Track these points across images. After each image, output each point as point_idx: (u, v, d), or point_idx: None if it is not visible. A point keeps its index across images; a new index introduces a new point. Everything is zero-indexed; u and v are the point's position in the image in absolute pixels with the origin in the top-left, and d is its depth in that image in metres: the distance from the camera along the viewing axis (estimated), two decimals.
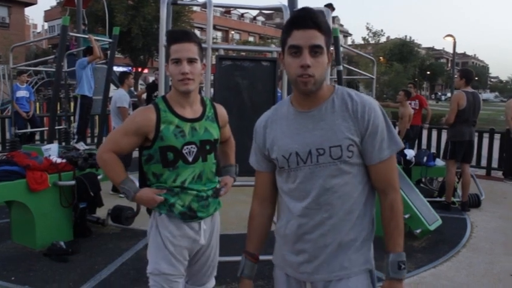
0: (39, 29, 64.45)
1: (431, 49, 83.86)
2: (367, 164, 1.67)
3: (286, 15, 3.71)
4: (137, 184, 2.25)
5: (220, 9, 49.41)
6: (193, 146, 2.14)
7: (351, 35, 72.87)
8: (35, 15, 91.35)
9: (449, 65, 72.95)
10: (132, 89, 17.68)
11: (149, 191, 2.17)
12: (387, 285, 1.65)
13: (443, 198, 6.69)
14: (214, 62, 3.79)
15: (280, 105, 1.80)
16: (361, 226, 1.69)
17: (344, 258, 1.67)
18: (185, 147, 2.12)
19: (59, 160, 4.84)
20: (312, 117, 1.66)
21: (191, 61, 2.08)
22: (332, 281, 1.68)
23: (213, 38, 3.60)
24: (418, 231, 4.96)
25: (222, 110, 2.36)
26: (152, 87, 8.48)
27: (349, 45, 46.47)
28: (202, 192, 2.21)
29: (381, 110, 1.66)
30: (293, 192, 1.71)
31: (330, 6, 7.29)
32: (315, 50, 1.57)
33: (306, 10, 1.60)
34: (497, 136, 9.57)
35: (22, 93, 10.10)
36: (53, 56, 11.21)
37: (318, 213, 1.66)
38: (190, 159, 2.14)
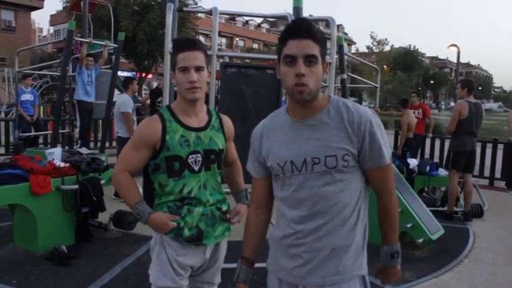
0: (44, 33, 64.84)
1: (435, 58, 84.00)
2: (364, 169, 1.72)
3: None
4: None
5: (225, 16, 49.65)
6: (198, 155, 2.13)
7: (355, 43, 73.02)
8: (40, 19, 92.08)
9: (453, 74, 72.98)
10: (136, 94, 17.72)
11: (163, 216, 2.10)
12: (382, 268, 1.85)
13: (445, 208, 6.67)
14: (218, 69, 3.81)
15: (276, 114, 1.84)
16: (355, 232, 1.73)
17: (338, 263, 1.70)
18: (190, 156, 2.11)
19: (62, 164, 4.86)
20: (308, 127, 1.69)
21: (198, 69, 2.08)
22: (325, 285, 1.71)
23: (218, 45, 3.62)
24: (420, 240, 4.94)
25: (228, 121, 2.34)
26: (156, 93, 8.46)
27: (353, 54, 46.55)
28: (207, 208, 2.18)
29: (376, 119, 1.70)
30: (288, 199, 1.74)
31: None
32: (310, 60, 1.60)
33: (301, 20, 1.64)
34: (500, 146, 9.54)
35: (27, 96, 10.15)
36: (58, 60, 11.28)
37: (312, 220, 1.70)
38: (196, 168, 2.13)
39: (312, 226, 1.69)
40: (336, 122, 1.66)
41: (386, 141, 1.72)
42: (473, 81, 6.88)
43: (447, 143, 10.23)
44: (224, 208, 2.27)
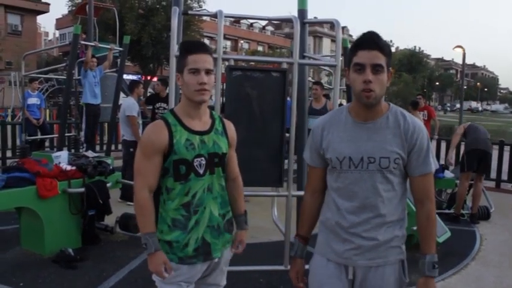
0: (50, 37, 65.20)
1: (441, 60, 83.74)
2: (410, 175, 1.96)
3: (297, 27, 3.73)
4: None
5: (230, 18, 49.75)
6: (203, 158, 2.13)
7: None
8: (46, 23, 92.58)
9: (459, 76, 72.72)
10: (142, 97, 17.79)
11: (165, 261, 2.07)
12: (423, 281, 1.95)
13: (452, 210, 6.65)
14: (223, 71, 3.81)
15: (337, 113, 2.06)
16: (398, 227, 1.98)
17: (383, 250, 1.96)
18: (196, 159, 2.11)
19: (68, 167, 4.88)
20: (368, 129, 1.93)
21: (208, 72, 2.09)
22: (372, 267, 1.96)
23: (223, 48, 3.63)
24: None
25: (231, 127, 2.33)
26: (153, 99, 8.18)
27: None
28: (214, 218, 2.17)
29: (426, 133, 1.95)
30: (341, 190, 1.98)
31: None
32: (377, 69, 1.83)
33: (370, 34, 1.90)
34: (507, 148, 9.50)
35: (33, 100, 10.19)
36: (64, 64, 11.34)
37: (363, 212, 1.94)
38: (201, 171, 2.12)
39: (362, 218, 1.94)
40: (393, 128, 1.91)
41: (433, 152, 1.96)
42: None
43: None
44: (228, 217, 2.26)
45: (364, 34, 1.91)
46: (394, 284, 1.98)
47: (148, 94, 28.52)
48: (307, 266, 2.18)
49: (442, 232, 5.14)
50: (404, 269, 2.01)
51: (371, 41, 1.85)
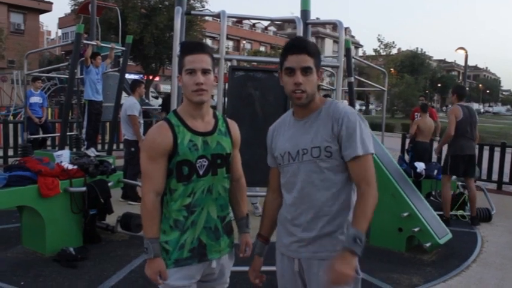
0: (52, 36, 65.27)
1: (443, 61, 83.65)
2: (345, 160, 1.98)
3: (300, 27, 3.73)
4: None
5: (233, 19, 49.81)
6: (205, 159, 2.11)
7: (362, 46, 72.85)
8: (49, 22, 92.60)
9: (461, 77, 72.60)
10: (144, 97, 17.80)
11: (162, 269, 2.07)
12: (341, 253, 1.88)
13: (453, 212, 6.64)
14: (225, 71, 3.81)
15: (286, 115, 2.22)
16: (340, 219, 2.01)
17: (326, 242, 2.00)
18: (198, 160, 2.10)
19: (70, 166, 4.89)
20: (303, 125, 2.07)
21: (205, 72, 2.07)
22: (315, 260, 2.01)
23: (225, 48, 3.62)
24: (428, 244, 4.92)
25: (235, 127, 2.30)
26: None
27: (360, 57, 46.43)
28: (211, 220, 2.16)
29: (356, 117, 1.99)
30: (285, 184, 2.12)
31: None
32: (306, 70, 1.96)
33: (299, 39, 2.09)
34: (508, 150, 9.49)
35: (36, 99, 10.22)
36: (66, 63, 11.35)
37: (302, 203, 2.03)
38: (201, 172, 2.11)
39: (302, 208, 2.03)
40: (324, 119, 2.01)
41: (364, 135, 1.97)
42: (464, 87, 7.15)
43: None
44: (227, 220, 2.24)
45: (292, 40, 2.06)
46: None
47: (151, 93, 28.62)
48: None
49: (443, 234, 5.14)
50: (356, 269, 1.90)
51: (297, 45, 2.00)
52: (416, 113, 9.72)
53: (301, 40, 2.06)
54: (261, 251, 2.27)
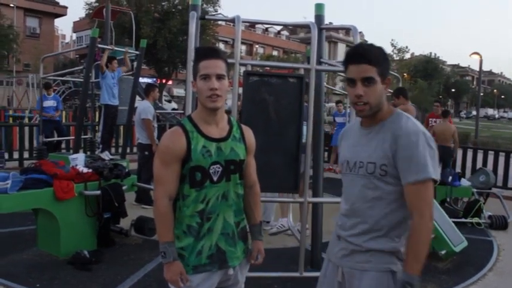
0: (67, 39, 65.96)
1: (457, 66, 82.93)
2: (402, 183, 1.84)
3: (314, 32, 3.73)
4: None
5: (245, 23, 49.90)
6: (219, 165, 2.10)
7: None
8: (63, 26, 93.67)
9: (475, 82, 71.95)
10: (157, 101, 17.86)
11: (182, 271, 2.07)
12: None
13: (468, 219, 6.56)
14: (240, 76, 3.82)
15: (355, 122, 2.13)
16: (388, 239, 1.90)
17: (370, 256, 1.90)
18: (212, 166, 2.09)
19: (85, 170, 4.92)
20: (366, 135, 1.97)
21: (219, 77, 2.06)
22: (357, 270, 1.93)
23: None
24: (443, 252, 4.86)
25: (250, 133, 2.29)
26: None
27: None
28: (229, 226, 2.16)
29: (418, 136, 1.82)
30: (343, 193, 2.07)
31: None
32: (367, 81, 1.85)
33: (359, 47, 1.95)
34: None
35: (49, 103, 10.36)
36: (81, 67, 11.45)
37: (353, 216, 1.96)
38: (215, 178, 2.10)
39: (351, 222, 1.96)
40: (384, 134, 1.89)
41: (426, 158, 1.80)
42: (404, 88, 7.49)
43: (470, 153, 10.14)
44: (242, 225, 2.24)
45: (353, 48, 1.96)
46: None
47: (164, 97, 28.76)
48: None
49: (459, 241, 5.08)
50: (395, 283, 1.86)
51: (358, 54, 1.88)
52: (430, 119, 9.65)
53: (361, 48, 1.91)
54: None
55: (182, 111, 11.77)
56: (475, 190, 7.10)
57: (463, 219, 6.64)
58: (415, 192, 1.80)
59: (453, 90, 65.31)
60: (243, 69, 3.94)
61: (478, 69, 33.03)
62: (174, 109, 26.91)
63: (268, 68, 8.89)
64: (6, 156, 9.79)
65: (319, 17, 4.44)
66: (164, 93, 31.16)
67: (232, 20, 3.82)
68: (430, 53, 55.59)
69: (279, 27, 62.44)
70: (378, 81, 1.86)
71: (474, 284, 4.49)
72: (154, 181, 2.16)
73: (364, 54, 1.86)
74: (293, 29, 63.00)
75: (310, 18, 4.52)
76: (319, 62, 4.25)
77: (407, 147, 1.80)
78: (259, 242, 2.35)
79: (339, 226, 2.04)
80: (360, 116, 1.97)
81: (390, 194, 1.87)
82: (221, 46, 41.81)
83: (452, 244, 4.90)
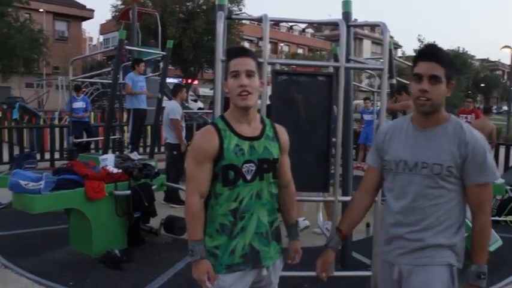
0: (94, 42, 67.07)
1: (486, 61, 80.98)
2: (465, 184, 2.00)
3: (343, 30, 3.68)
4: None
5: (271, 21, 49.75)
6: (252, 164, 2.10)
7: (400, 46, 71.49)
8: (90, 28, 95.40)
9: (506, 77, 70.23)
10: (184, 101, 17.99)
11: (209, 270, 2.06)
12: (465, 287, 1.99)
13: (502, 218, 6.39)
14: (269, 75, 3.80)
15: (401, 120, 2.22)
16: (447, 235, 2.01)
17: (429, 251, 2.01)
18: (244, 165, 2.09)
19: (115, 170, 4.98)
20: (425, 136, 2.04)
21: (249, 75, 2.06)
22: (417, 266, 2.02)
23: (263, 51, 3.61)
24: None
25: (283, 132, 2.27)
26: None
27: (399, 57, 45.57)
28: (263, 225, 2.14)
29: (485, 143, 2.00)
30: (395, 191, 2.10)
31: None
32: (434, 79, 1.95)
33: (431, 45, 2.08)
34: None
35: (78, 104, 10.55)
36: (109, 69, 11.62)
37: (412, 213, 2.03)
38: (249, 177, 2.10)
39: (410, 219, 2.03)
40: (449, 137, 1.99)
41: (490, 162, 1.99)
42: (407, 85, 7.35)
43: (502, 149, 9.90)
44: (275, 225, 2.22)
45: (425, 46, 2.12)
46: (439, 286, 2.00)
47: (190, 97, 28.97)
48: None
49: (493, 240, 4.94)
50: (453, 276, 2.01)
51: (428, 53, 2.00)
52: (461, 115, 9.47)
53: (433, 47, 2.04)
54: (336, 246, 2.27)
55: (209, 111, 11.82)
56: (508, 188, 6.91)
57: (496, 218, 6.48)
58: (482, 193, 1.99)
59: (482, 85, 63.83)
60: (270, 68, 3.93)
61: (509, 63, 32.19)
62: (200, 108, 27.10)
63: (294, 67, 8.85)
64: (38, 157, 10.00)
65: (346, 14, 4.39)
66: (190, 92, 31.40)
67: (260, 19, 3.80)
68: (458, 47, 54.48)
69: (303, 25, 62.13)
70: (443, 82, 1.98)
71: (510, 284, 4.37)
72: (186, 179, 2.16)
73: (435, 53, 1.99)
74: (318, 26, 62.60)
75: (334, 15, 4.47)
76: (347, 60, 4.20)
77: (478, 153, 1.96)
78: (297, 241, 2.35)
79: (393, 224, 2.09)
80: (419, 111, 2.02)
81: (451, 192, 2.00)
82: (246, 45, 41.89)
83: (488, 246, 4.77)
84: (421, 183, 2.01)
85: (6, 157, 10.16)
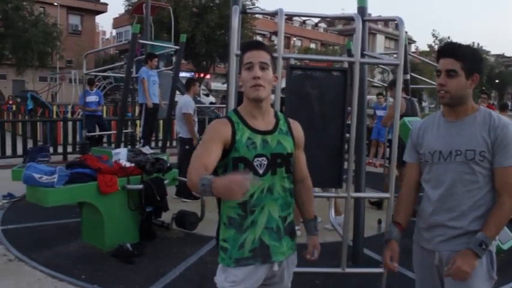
0: (107, 36, 67.45)
1: (501, 56, 79.94)
2: (493, 167, 2.10)
3: (359, 25, 3.64)
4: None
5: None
6: (264, 158, 2.07)
7: (414, 42, 70.84)
8: (104, 22, 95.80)
9: None
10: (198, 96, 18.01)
11: (230, 176, 1.73)
12: (463, 252, 2.04)
13: None
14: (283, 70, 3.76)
15: (433, 116, 2.37)
16: (484, 220, 2.08)
17: (468, 237, 2.08)
18: (256, 159, 2.06)
19: (127, 164, 4.99)
20: (456, 126, 2.17)
21: (263, 67, 2.04)
22: (458, 252, 2.07)
23: (275, 45, 3.58)
24: None
25: (297, 127, 2.25)
26: None
27: (413, 53, 45.19)
28: (273, 220, 2.11)
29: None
30: (432, 181, 2.21)
31: None
32: (450, 73, 2.11)
33: (448, 44, 2.26)
34: None
35: (92, 98, 10.59)
36: (122, 63, 11.65)
37: (450, 200, 2.14)
38: (261, 171, 2.07)
39: (448, 205, 2.14)
40: (479, 125, 2.12)
41: None
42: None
43: None
44: (289, 220, 2.18)
45: (444, 44, 2.28)
46: (479, 272, 2.06)
47: (202, 91, 29.02)
48: None
49: (507, 238, 4.88)
50: (492, 261, 2.11)
51: (445, 49, 2.17)
52: None
53: (449, 45, 2.22)
54: (398, 237, 2.33)
55: (222, 105, 11.81)
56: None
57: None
58: (507, 175, 2.07)
59: (497, 81, 63.09)
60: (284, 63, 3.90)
61: None
62: (212, 103, 27.14)
63: (307, 61, 8.79)
64: (51, 150, 10.08)
65: (362, 9, 4.34)
66: (202, 87, 31.44)
67: (274, 14, 3.76)
68: (473, 42, 53.90)
69: (316, 20, 61.82)
70: (460, 75, 2.11)
71: None
72: (192, 158, 2.00)
73: (450, 50, 2.15)
74: (331, 21, 62.24)
75: (347, 10, 4.41)
76: (362, 55, 4.15)
77: (506, 136, 2.07)
78: (315, 237, 2.32)
79: (432, 213, 2.19)
80: (442, 103, 2.19)
81: (485, 177, 2.11)
82: (258, 39, 41.84)
83: (500, 241, 4.71)
84: (456, 170, 2.12)
85: (20, 150, 10.26)
